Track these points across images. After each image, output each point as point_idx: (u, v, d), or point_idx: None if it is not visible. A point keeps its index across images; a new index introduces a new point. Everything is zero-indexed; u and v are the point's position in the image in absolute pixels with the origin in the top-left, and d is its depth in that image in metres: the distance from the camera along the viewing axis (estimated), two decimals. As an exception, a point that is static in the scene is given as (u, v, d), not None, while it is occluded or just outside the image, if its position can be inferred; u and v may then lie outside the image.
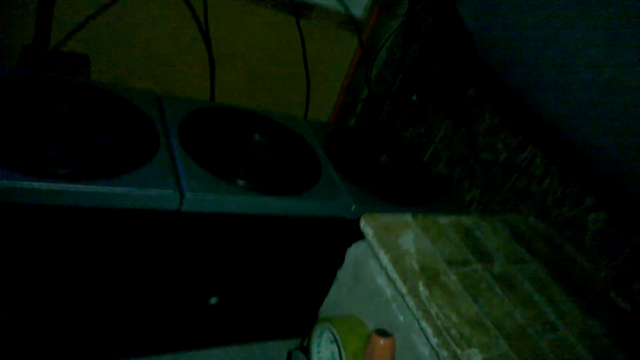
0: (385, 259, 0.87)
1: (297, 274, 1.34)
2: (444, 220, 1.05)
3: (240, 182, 1.10)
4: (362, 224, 0.94)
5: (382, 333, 0.84)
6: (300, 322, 1.40)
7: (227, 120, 1.31)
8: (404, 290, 0.82)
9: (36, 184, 0.88)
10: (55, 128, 1.02)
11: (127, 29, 1.43)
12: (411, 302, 0.80)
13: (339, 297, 1.03)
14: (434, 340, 0.75)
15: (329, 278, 1.08)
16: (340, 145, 1.47)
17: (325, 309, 1.08)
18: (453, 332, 0.77)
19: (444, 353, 0.73)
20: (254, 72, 1.65)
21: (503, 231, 1.13)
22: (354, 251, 1.00)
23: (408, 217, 1.00)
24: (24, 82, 1.07)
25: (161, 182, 1.00)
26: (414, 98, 1.72)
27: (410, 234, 0.95)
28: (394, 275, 0.84)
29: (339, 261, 1.05)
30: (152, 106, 1.21)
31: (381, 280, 0.90)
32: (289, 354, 1.11)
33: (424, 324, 0.77)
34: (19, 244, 0.93)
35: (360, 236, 0.97)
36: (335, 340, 0.90)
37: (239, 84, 1.65)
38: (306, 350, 1.09)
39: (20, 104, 1.02)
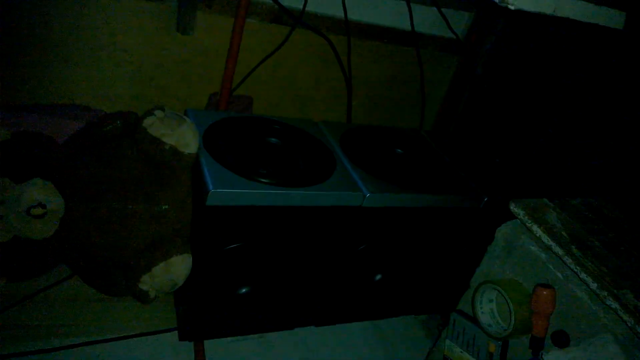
0: (539, 230, 1.13)
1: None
2: (574, 201, 1.30)
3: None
4: (512, 206, 1.21)
5: (545, 286, 1.10)
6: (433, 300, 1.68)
7: (371, 137, 1.63)
8: (561, 252, 1.07)
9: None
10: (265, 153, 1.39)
11: (279, 75, 1.80)
12: (569, 261, 1.05)
13: (491, 267, 1.30)
14: (594, 285, 1.00)
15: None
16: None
17: (477, 279, 1.34)
18: (607, 278, 1.01)
19: (604, 293, 0.98)
20: (375, 95, 1.97)
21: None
22: (504, 230, 1.26)
23: (546, 201, 1.26)
24: (238, 121, 1.44)
25: (347, 187, 1.32)
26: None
27: (552, 213, 1.21)
28: (550, 242, 1.10)
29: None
30: (317, 130, 1.55)
31: (535, 248, 1.17)
32: (448, 317, 1.38)
33: (583, 275, 1.02)
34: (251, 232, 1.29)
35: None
36: (502, 295, 1.16)
37: (362, 106, 1.98)
38: (462, 314, 1.35)
39: (240, 136, 1.39)
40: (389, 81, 1.97)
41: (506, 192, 1.60)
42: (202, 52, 1.69)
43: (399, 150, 1.66)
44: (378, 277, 1.60)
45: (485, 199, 1.52)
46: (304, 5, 1.66)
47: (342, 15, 1.73)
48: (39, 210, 1.15)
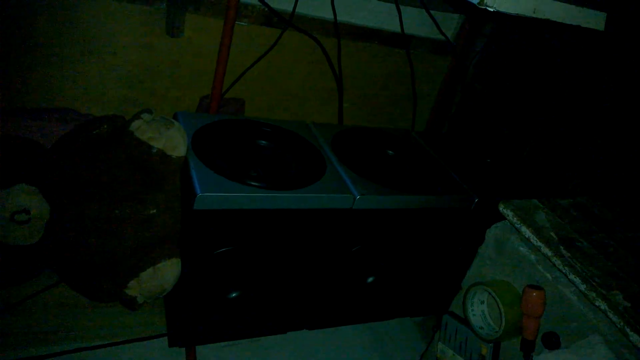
0: (528, 231, 1.13)
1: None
2: (563, 202, 1.29)
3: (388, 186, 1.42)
4: (502, 207, 1.20)
5: (534, 287, 1.09)
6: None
7: (362, 139, 1.63)
8: (549, 253, 1.07)
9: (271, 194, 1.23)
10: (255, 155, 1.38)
11: (270, 77, 1.80)
12: (558, 262, 1.05)
13: (482, 269, 1.29)
14: (583, 287, 1.00)
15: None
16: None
17: (468, 280, 1.34)
18: (596, 279, 1.01)
19: (592, 294, 0.98)
20: (366, 96, 1.97)
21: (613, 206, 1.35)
22: (494, 231, 1.26)
23: (535, 202, 1.26)
24: (228, 124, 1.43)
25: (338, 189, 1.32)
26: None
27: (541, 213, 1.20)
28: (539, 243, 1.10)
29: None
30: (308, 132, 1.55)
31: (524, 249, 1.16)
32: (441, 319, 1.37)
33: (572, 276, 1.02)
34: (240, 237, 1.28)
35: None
36: (492, 297, 1.16)
37: (354, 107, 1.98)
38: (454, 316, 1.35)
39: (229, 139, 1.38)
40: (380, 82, 1.97)
41: (497, 192, 1.60)
42: (192, 54, 1.68)
43: (390, 152, 1.66)
44: (371, 279, 1.59)
45: (476, 200, 1.52)
46: (294, 8, 1.66)
47: (332, 17, 1.73)
48: (22, 217, 1.13)
